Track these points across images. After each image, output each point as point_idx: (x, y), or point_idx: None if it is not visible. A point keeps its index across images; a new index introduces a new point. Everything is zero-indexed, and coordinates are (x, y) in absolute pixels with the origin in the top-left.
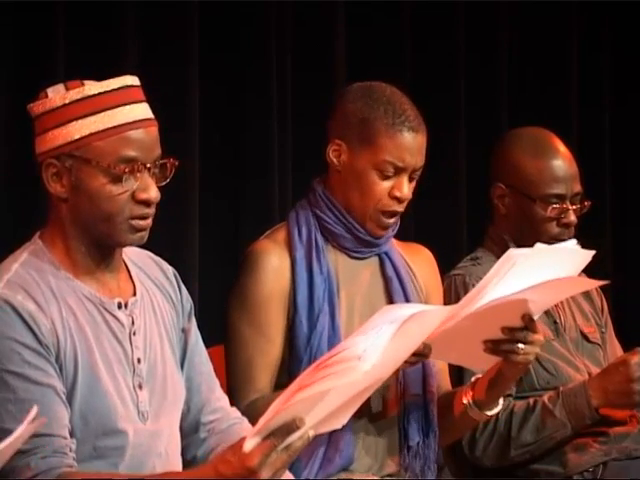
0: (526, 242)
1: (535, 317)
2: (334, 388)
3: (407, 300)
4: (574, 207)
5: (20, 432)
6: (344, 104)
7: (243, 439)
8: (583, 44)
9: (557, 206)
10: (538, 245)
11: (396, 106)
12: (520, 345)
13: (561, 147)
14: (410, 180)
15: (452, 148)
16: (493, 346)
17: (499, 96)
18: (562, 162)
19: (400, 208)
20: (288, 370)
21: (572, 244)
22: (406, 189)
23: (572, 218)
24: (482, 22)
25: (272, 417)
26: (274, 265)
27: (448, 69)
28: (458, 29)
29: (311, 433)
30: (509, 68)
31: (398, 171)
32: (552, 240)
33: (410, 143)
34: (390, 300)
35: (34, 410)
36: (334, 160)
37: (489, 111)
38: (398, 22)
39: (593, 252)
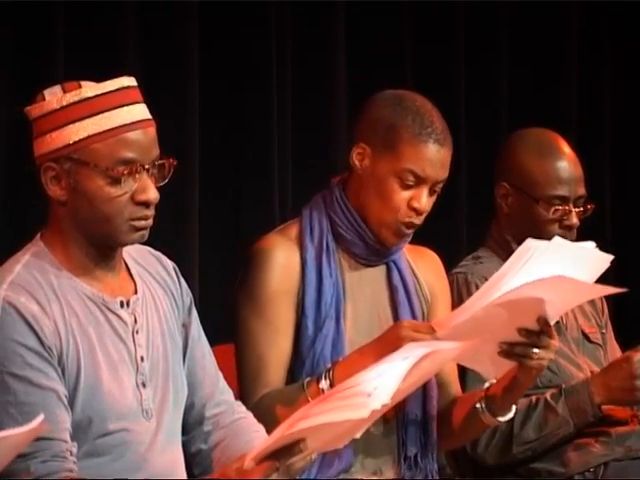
0: None
1: (551, 322)
2: (339, 421)
3: (412, 312)
4: (577, 210)
5: (19, 431)
6: (373, 109)
7: (245, 456)
8: (583, 44)
9: (560, 208)
10: (557, 238)
11: (425, 117)
12: (535, 349)
13: (567, 150)
14: (431, 193)
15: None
16: (508, 348)
17: (499, 96)
18: (567, 164)
19: (418, 220)
20: (292, 370)
21: (591, 245)
22: (424, 200)
23: (574, 221)
24: (482, 22)
25: (273, 443)
26: (283, 261)
27: (448, 69)
28: (458, 29)
29: (313, 456)
30: (509, 68)
31: (419, 181)
32: None
33: (433, 155)
34: (395, 310)
35: (40, 418)
36: (357, 164)
37: (489, 111)
38: (398, 22)
39: (612, 257)
